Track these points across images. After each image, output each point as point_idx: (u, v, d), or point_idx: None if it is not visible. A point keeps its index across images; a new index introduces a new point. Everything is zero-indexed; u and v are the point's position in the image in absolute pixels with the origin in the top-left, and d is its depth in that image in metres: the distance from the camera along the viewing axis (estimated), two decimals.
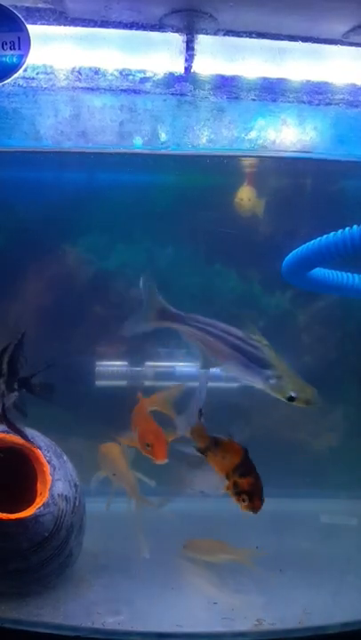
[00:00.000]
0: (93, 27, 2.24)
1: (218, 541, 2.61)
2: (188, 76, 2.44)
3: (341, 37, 2.32)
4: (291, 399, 2.10)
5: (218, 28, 2.26)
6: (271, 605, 2.27)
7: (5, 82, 2.07)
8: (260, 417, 3.14)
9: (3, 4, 2.01)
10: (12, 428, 2.14)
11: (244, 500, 2.04)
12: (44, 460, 2.29)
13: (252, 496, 2.04)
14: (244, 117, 2.71)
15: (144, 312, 2.37)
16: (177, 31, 2.27)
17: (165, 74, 2.44)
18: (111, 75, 2.45)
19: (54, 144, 2.77)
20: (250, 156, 3.08)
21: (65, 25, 2.23)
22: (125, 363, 3.52)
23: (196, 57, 2.35)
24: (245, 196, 3.27)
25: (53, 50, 2.31)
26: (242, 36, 2.31)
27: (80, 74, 2.43)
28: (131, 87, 2.51)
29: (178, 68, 2.40)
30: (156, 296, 2.35)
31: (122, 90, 2.53)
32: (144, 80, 2.47)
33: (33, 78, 2.41)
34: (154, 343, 3.49)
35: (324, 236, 2.60)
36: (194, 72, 2.42)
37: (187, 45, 2.31)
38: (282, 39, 2.31)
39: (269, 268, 3.13)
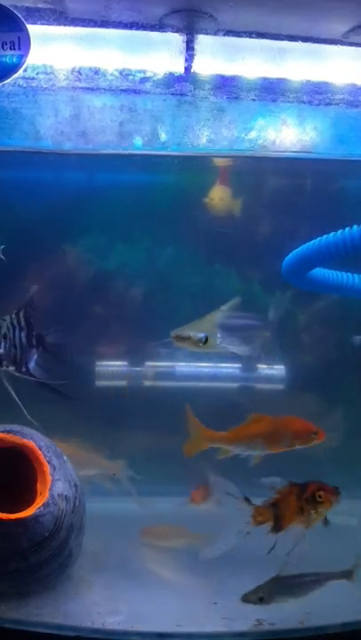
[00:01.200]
0: (93, 27, 2.24)
1: (174, 526, 2.62)
2: (188, 76, 2.44)
3: (341, 37, 2.32)
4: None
5: (218, 27, 2.26)
6: (271, 605, 2.26)
7: (5, 82, 2.07)
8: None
9: (3, 4, 2.01)
10: (39, 383, 2.30)
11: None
12: (44, 460, 2.29)
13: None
14: (244, 117, 2.71)
15: None
16: (177, 31, 2.27)
17: (165, 74, 2.44)
18: (111, 75, 2.46)
19: (54, 144, 2.78)
20: (249, 156, 3.08)
21: (65, 25, 2.23)
22: (125, 363, 3.53)
23: (196, 57, 2.35)
24: (217, 195, 3.25)
25: (53, 50, 2.31)
26: (242, 36, 2.31)
27: (80, 74, 2.43)
28: (131, 87, 2.51)
29: (178, 67, 2.40)
30: None
31: (122, 90, 2.53)
32: (144, 80, 2.47)
33: (33, 78, 2.41)
34: (154, 343, 3.49)
35: (324, 236, 2.60)
36: (194, 72, 2.42)
37: (187, 45, 2.31)
38: (282, 39, 2.31)
39: (269, 268, 3.13)
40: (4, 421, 2.40)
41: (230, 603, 2.26)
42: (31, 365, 2.42)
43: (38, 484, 2.26)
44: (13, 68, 2.05)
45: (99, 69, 2.43)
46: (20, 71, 2.06)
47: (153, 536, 2.65)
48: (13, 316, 2.44)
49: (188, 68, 2.40)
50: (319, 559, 2.67)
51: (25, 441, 2.30)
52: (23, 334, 2.42)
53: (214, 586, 2.41)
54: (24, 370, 2.40)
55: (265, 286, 3.45)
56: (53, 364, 2.52)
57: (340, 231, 2.52)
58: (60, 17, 2.20)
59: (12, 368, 2.36)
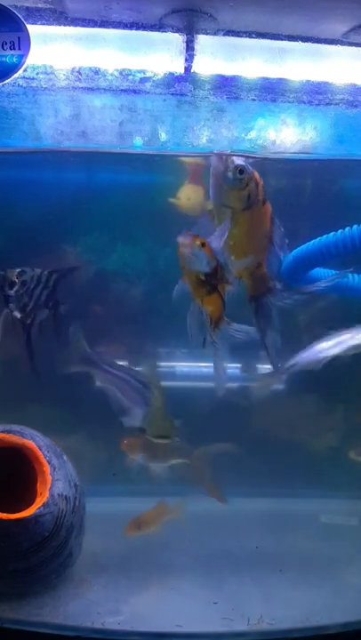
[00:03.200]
0: (93, 27, 2.24)
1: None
2: (188, 76, 2.44)
3: (341, 37, 2.32)
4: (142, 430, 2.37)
5: (218, 27, 2.26)
6: (271, 605, 2.27)
7: (5, 82, 2.07)
8: (259, 417, 3.14)
9: (3, 4, 2.01)
10: (27, 343, 2.49)
11: None
12: (44, 460, 2.29)
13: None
14: (244, 117, 2.71)
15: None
16: (177, 31, 2.27)
17: (165, 74, 2.44)
18: (111, 75, 2.46)
19: (54, 144, 2.77)
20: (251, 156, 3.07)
21: (65, 25, 2.23)
22: (125, 363, 3.52)
23: (196, 57, 2.35)
24: (184, 195, 3.23)
25: (53, 50, 2.31)
26: (242, 36, 2.31)
27: (80, 74, 2.43)
28: (131, 87, 2.51)
29: (178, 68, 2.40)
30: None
31: (122, 90, 2.53)
32: (144, 80, 2.47)
33: (33, 78, 2.41)
34: (154, 343, 3.49)
35: (324, 236, 2.60)
36: (194, 72, 2.42)
37: (187, 45, 2.31)
38: (282, 39, 2.31)
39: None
40: (4, 421, 2.40)
41: (230, 603, 2.27)
42: (35, 322, 2.57)
43: (38, 484, 2.26)
44: (13, 68, 2.05)
45: (99, 69, 2.43)
46: (20, 71, 2.06)
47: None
48: (46, 272, 2.61)
49: (188, 68, 2.40)
50: (319, 559, 2.68)
51: (25, 441, 2.30)
52: (45, 292, 2.58)
53: (214, 586, 2.41)
54: (27, 322, 2.53)
55: None
56: (51, 335, 2.66)
57: (339, 231, 2.52)
58: (60, 17, 2.20)
59: (17, 314, 2.51)
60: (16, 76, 2.06)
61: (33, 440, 2.32)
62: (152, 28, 2.25)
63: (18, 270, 2.58)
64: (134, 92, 2.53)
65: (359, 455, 3.02)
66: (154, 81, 2.47)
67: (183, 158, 3.12)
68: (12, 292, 2.52)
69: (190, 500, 2.73)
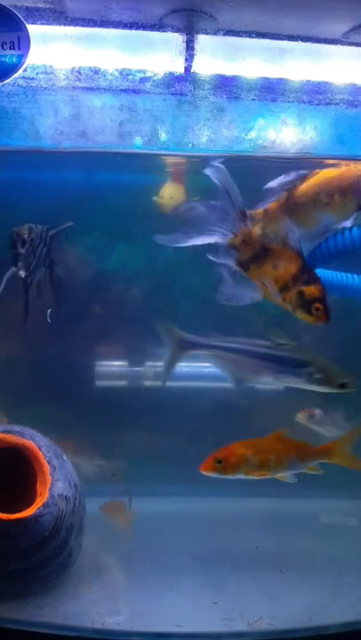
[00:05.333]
0: (93, 27, 2.24)
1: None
2: (188, 76, 2.44)
3: (341, 37, 2.32)
4: (343, 386, 2.02)
5: (218, 27, 2.26)
6: (271, 605, 2.27)
7: (5, 82, 2.07)
8: (259, 417, 3.14)
9: (3, 4, 2.01)
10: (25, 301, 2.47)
11: (318, 309, 1.81)
12: (44, 461, 2.29)
13: (324, 303, 1.80)
14: (244, 117, 2.71)
15: (166, 347, 2.37)
16: (177, 31, 2.27)
17: (165, 74, 2.44)
18: (111, 75, 2.45)
19: (54, 144, 2.77)
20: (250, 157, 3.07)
21: (65, 25, 2.23)
22: (125, 363, 3.52)
23: (196, 57, 2.35)
24: (167, 194, 3.22)
25: (53, 50, 2.31)
26: (242, 36, 2.31)
27: (80, 74, 2.43)
28: (131, 87, 2.51)
29: (178, 68, 2.40)
30: (172, 329, 2.34)
31: (122, 90, 2.53)
32: (144, 80, 2.47)
33: (33, 78, 2.40)
34: (154, 343, 3.49)
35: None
36: (194, 72, 2.42)
37: (187, 45, 2.31)
38: (282, 39, 2.31)
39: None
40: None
41: (230, 603, 2.27)
42: (34, 281, 2.53)
43: (38, 485, 2.26)
44: (13, 68, 2.05)
45: (99, 69, 2.43)
46: (20, 71, 2.06)
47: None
48: (43, 229, 2.56)
49: (188, 68, 2.40)
50: (319, 559, 2.68)
51: (25, 441, 2.30)
52: (45, 251, 2.53)
53: (214, 586, 2.42)
54: (29, 280, 2.51)
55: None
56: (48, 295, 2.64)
57: (340, 231, 2.52)
58: (60, 17, 2.20)
59: (22, 272, 2.48)
60: (16, 75, 2.06)
61: (33, 440, 2.32)
62: (152, 27, 2.25)
63: (27, 227, 2.54)
64: (134, 91, 2.53)
65: (306, 419, 2.98)
66: (154, 81, 2.47)
67: (167, 158, 3.13)
68: (22, 251, 2.47)
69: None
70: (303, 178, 2.29)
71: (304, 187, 2.25)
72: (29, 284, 2.56)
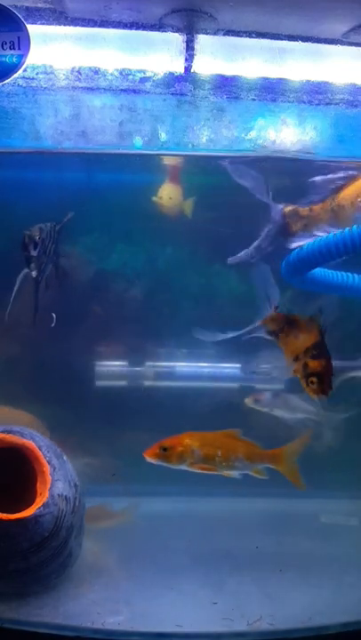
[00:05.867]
0: (93, 27, 2.24)
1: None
2: (188, 76, 2.44)
3: (341, 37, 2.32)
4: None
5: (218, 27, 2.26)
6: (271, 605, 2.27)
7: (5, 82, 2.07)
8: (259, 417, 3.14)
9: (3, 4, 2.01)
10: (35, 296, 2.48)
11: (312, 383, 1.94)
12: (43, 461, 2.29)
13: (322, 378, 1.94)
14: (244, 117, 2.71)
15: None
16: (177, 31, 2.27)
17: (165, 74, 2.44)
18: (111, 75, 2.45)
19: (54, 144, 2.77)
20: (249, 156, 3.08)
21: (65, 25, 2.23)
22: (125, 363, 3.53)
23: (196, 57, 2.35)
24: (165, 194, 3.23)
25: (53, 50, 2.31)
26: (242, 36, 2.31)
27: (80, 74, 2.43)
28: (131, 87, 2.51)
29: (178, 67, 2.40)
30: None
31: (122, 90, 2.53)
32: (144, 80, 2.47)
33: (33, 78, 2.40)
34: (154, 343, 3.49)
35: (324, 236, 2.59)
36: (194, 72, 2.42)
37: (187, 45, 2.31)
38: (282, 39, 2.31)
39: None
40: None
41: (230, 603, 2.27)
42: (43, 277, 2.55)
43: (38, 485, 2.26)
44: (13, 68, 2.05)
45: (99, 69, 2.43)
46: (20, 71, 2.06)
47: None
48: (52, 226, 2.57)
49: (188, 68, 2.40)
50: (319, 559, 2.68)
51: (25, 441, 2.30)
52: (53, 247, 2.54)
53: (214, 586, 2.42)
54: (40, 279, 2.52)
55: None
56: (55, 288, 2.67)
57: (339, 231, 2.52)
58: (60, 17, 2.20)
59: (34, 273, 2.48)
60: (16, 75, 2.06)
61: (33, 440, 2.32)
62: (152, 27, 2.25)
63: (38, 228, 2.53)
64: (134, 91, 2.53)
65: (254, 402, 2.96)
66: (154, 81, 2.47)
67: (166, 158, 3.13)
68: (34, 253, 2.46)
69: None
70: (350, 179, 2.33)
71: (348, 189, 2.30)
72: (39, 282, 2.56)
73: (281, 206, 2.36)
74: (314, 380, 1.95)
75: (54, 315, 2.67)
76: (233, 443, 2.38)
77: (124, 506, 2.81)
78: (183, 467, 2.31)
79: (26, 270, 2.51)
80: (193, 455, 2.31)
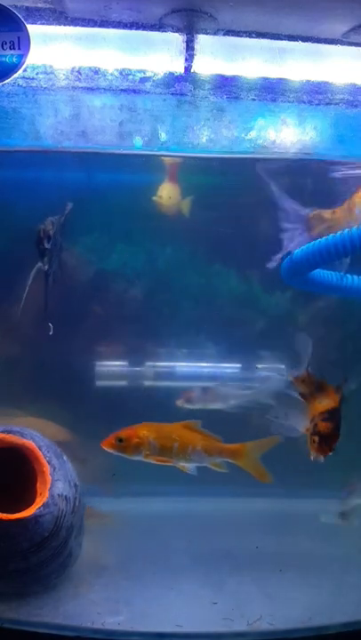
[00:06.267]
0: (93, 27, 2.24)
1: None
2: (188, 76, 2.44)
3: (341, 37, 2.31)
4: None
5: (218, 27, 2.26)
6: (271, 605, 2.27)
7: (5, 82, 2.07)
8: (259, 417, 3.14)
9: (3, 4, 2.01)
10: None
11: (313, 442, 2.05)
12: (43, 461, 2.29)
13: (325, 440, 2.05)
14: (244, 117, 2.71)
15: None
16: (177, 31, 2.27)
17: (165, 74, 2.44)
18: (111, 75, 2.45)
19: (54, 144, 2.77)
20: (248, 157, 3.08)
21: (65, 25, 2.23)
22: (125, 363, 3.53)
23: (196, 57, 2.35)
24: (165, 193, 3.23)
25: (53, 50, 2.31)
26: (242, 36, 2.31)
27: (80, 74, 2.43)
28: (131, 87, 2.51)
29: (178, 67, 2.40)
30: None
31: (122, 90, 2.53)
32: (144, 80, 2.47)
33: (33, 78, 2.40)
34: (154, 343, 3.49)
35: (324, 236, 2.59)
36: (194, 72, 2.42)
37: (187, 45, 2.31)
38: (282, 39, 2.31)
39: (269, 269, 3.13)
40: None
41: (230, 603, 2.27)
42: (51, 270, 2.60)
43: (38, 484, 2.26)
44: (13, 68, 2.05)
45: (99, 69, 2.43)
46: (20, 71, 2.06)
47: None
48: (59, 219, 2.61)
49: (188, 68, 2.39)
50: (319, 559, 2.68)
51: (25, 441, 2.30)
52: (61, 240, 2.61)
53: (214, 586, 2.42)
54: (50, 271, 2.57)
55: (265, 286, 3.45)
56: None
57: (339, 232, 2.52)
58: (60, 17, 2.20)
59: (46, 267, 2.54)
60: (16, 75, 2.06)
61: (33, 440, 2.32)
62: (152, 27, 2.25)
63: (50, 221, 2.57)
64: (134, 91, 2.53)
65: (186, 402, 2.96)
66: (154, 81, 2.47)
67: (165, 158, 3.14)
68: (48, 246, 2.51)
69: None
70: None
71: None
72: (49, 275, 2.61)
73: (307, 210, 2.39)
74: (315, 438, 2.08)
75: (51, 325, 2.69)
76: (191, 435, 2.37)
77: (113, 507, 2.81)
78: (139, 458, 2.30)
79: (39, 264, 2.55)
80: (149, 446, 2.30)
